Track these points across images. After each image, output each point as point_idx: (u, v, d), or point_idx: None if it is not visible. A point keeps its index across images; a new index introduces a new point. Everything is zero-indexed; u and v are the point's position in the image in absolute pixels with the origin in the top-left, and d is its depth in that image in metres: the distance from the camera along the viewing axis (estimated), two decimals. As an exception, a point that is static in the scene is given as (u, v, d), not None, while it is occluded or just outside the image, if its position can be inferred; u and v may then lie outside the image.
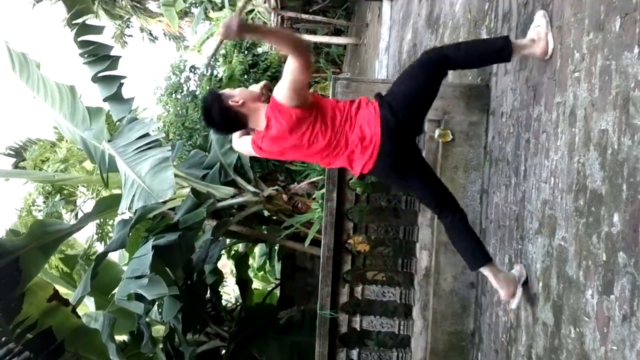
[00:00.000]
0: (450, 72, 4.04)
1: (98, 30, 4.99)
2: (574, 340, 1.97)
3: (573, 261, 2.02)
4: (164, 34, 19.06)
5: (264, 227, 7.12)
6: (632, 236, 1.64)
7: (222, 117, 2.29)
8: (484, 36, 3.32)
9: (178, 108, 7.71)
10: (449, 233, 2.57)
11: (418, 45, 5.39)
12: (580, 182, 2.00)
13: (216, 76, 8.18)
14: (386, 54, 7.73)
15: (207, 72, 7.75)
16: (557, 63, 2.25)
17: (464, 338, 3.30)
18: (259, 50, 8.92)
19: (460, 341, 3.30)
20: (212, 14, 14.32)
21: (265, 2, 10.20)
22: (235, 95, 2.29)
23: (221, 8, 13.31)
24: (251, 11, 12.92)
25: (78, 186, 7.82)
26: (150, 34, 18.92)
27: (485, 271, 2.48)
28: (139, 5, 16.63)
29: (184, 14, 16.82)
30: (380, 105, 2.30)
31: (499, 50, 2.37)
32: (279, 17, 10.80)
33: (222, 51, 8.31)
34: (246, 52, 8.07)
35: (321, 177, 5.27)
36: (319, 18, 11.62)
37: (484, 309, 3.11)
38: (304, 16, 11.25)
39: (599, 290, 1.80)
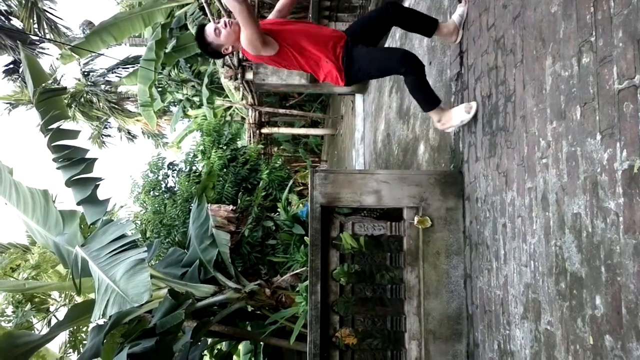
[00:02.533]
0: (423, 160, 4.16)
1: (73, 135, 4.85)
2: None
3: (561, 346, 1.97)
4: (143, 132, 19.36)
5: (248, 323, 6.84)
6: (616, 319, 1.62)
7: (215, 54, 3.05)
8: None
9: (156, 205, 7.66)
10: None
11: (392, 135, 5.57)
12: (559, 265, 1.99)
13: (195, 172, 8.25)
14: (362, 143, 7.95)
15: None
16: (524, 150, 2.32)
17: None
18: (238, 144, 9.10)
19: None
20: (190, 112, 14.74)
21: (243, 100, 10.57)
22: (223, 43, 2.94)
23: (199, 106, 13.75)
24: (229, 108, 13.36)
25: (50, 293, 7.50)
26: (129, 133, 19.19)
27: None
28: (116, 106, 17.00)
29: (163, 112, 17.25)
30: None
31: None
32: (257, 112, 11.15)
33: (201, 147, 8.44)
34: (225, 147, 8.21)
35: (304, 268, 5.16)
36: (295, 112, 12.05)
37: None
38: (281, 111, 11.65)
39: (594, 379, 1.74)
